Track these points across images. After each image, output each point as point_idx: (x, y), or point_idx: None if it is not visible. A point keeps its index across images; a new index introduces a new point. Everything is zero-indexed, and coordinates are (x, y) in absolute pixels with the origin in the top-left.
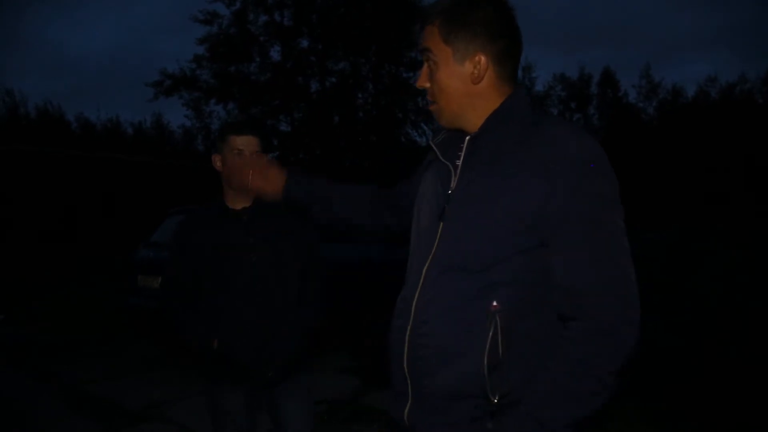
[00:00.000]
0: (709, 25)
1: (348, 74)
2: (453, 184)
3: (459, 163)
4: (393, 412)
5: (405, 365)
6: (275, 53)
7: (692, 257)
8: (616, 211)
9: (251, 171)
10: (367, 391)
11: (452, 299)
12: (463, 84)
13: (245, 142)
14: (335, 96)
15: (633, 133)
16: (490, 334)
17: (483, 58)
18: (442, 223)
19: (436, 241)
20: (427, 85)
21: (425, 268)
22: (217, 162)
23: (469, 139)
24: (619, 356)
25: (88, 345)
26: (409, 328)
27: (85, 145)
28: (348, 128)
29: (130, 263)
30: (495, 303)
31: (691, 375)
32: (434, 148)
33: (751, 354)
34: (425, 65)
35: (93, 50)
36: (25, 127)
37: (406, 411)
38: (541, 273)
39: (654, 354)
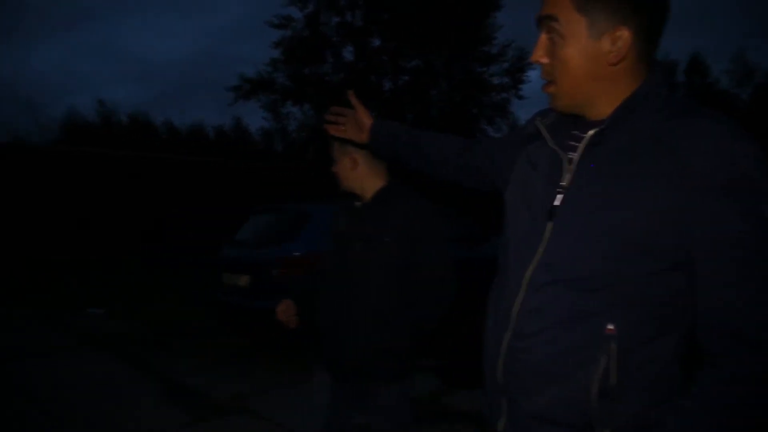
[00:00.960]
0: None
1: (421, 71)
2: (566, 180)
3: (575, 155)
4: (487, 420)
5: (499, 379)
6: (348, 53)
7: None
8: None
9: (343, 121)
10: (448, 392)
11: (561, 315)
12: (594, 64)
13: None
14: (408, 94)
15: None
16: (602, 359)
17: (626, 33)
18: (550, 224)
19: (543, 243)
20: (545, 60)
21: (528, 273)
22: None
23: (594, 133)
24: None
25: (179, 338)
26: (506, 340)
27: (171, 149)
28: (422, 126)
29: (216, 261)
30: (611, 326)
31: None
32: (543, 131)
33: None
34: (543, 36)
35: (176, 58)
36: (117, 134)
37: (500, 426)
38: (671, 297)
39: None
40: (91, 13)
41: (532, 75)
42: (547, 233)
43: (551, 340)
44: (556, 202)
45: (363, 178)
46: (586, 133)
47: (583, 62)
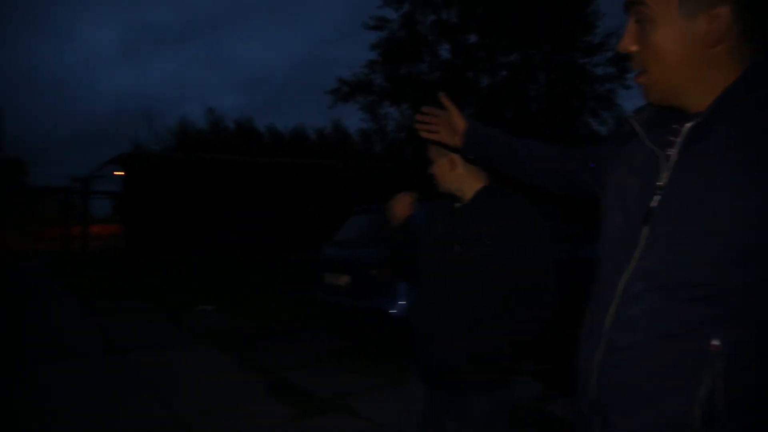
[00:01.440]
0: None
1: (519, 66)
2: (664, 179)
3: (673, 152)
4: None
5: (592, 396)
6: (444, 51)
7: None
8: None
9: (435, 123)
10: (551, 398)
11: (658, 328)
12: (690, 47)
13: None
14: (506, 89)
15: None
16: (706, 380)
17: (724, 11)
18: (647, 228)
19: (639, 249)
20: (634, 48)
21: (622, 281)
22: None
23: (692, 126)
24: None
25: (283, 335)
26: (599, 354)
27: (274, 152)
28: (521, 121)
29: (318, 261)
30: (716, 342)
31: None
32: (638, 128)
33: None
34: (632, 22)
35: (278, 65)
36: (225, 140)
37: None
38: None
39: None
40: (201, 28)
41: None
42: (643, 238)
43: (647, 355)
44: (653, 204)
45: (462, 179)
46: (684, 126)
47: (676, 47)
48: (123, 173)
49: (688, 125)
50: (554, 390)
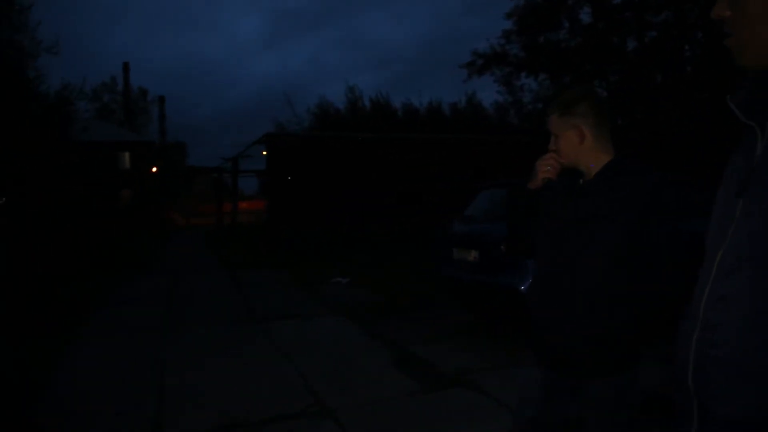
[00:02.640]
0: None
1: (671, 25)
2: (759, 150)
3: None
4: (678, 428)
5: (690, 379)
6: (585, 15)
7: None
8: None
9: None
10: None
11: (755, 300)
12: None
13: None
14: (657, 52)
15: None
16: None
17: None
18: (740, 201)
19: (733, 222)
20: (727, 13)
21: (718, 257)
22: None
23: None
24: None
25: (410, 309)
26: (695, 333)
27: (409, 128)
28: (673, 87)
29: (447, 236)
30: None
31: None
32: (734, 108)
33: None
34: None
35: (412, 41)
36: (362, 118)
37: None
38: None
39: None
40: (337, 10)
41: None
42: (738, 211)
43: (742, 333)
44: (746, 176)
45: (590, 153)
46: None
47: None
48: (266, 152)
49: None
50: None
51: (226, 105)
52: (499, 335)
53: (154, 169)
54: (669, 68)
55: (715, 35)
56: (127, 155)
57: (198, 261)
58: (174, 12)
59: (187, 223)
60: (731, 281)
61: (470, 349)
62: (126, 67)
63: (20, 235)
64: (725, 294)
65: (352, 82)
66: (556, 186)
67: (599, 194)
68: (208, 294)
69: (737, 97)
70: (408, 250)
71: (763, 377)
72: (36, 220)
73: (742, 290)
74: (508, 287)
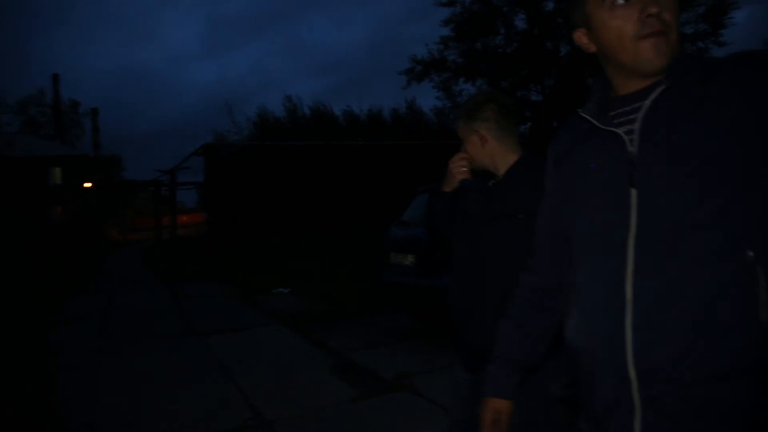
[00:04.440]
0: None
1: None
2: (635, 145)
3: (637, 118)
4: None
5: (626, 370)
6: (520, 22)
7: None
8: None
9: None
10: None
11: (692, 264)
12: (678, 13)
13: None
14: (587, 57)
15: None
16: (754, 293)
17: None
18: (634, 190)
19: (633, 209)
20: (656, 9)
21: (630, 244)
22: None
23: (668, 88)
24: None
25: (353, 316)
26: (629, 324)
27: (350, 136)
28: None
29: (386, 241)
30: (750, 253)
31: None
32: (590, 119)
33: None
34: None
35: (353, 48)
36: (302, 126)
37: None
38: None
39: None
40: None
41: (737, 17)
42: (633, 198)
43: (693, 298)
44: (633, 171)
45: (494, 154)
46: (638, 102)
47: (678, 11)
48: (205, 163)
49: (661, 88)
50: None
51: (165, 116)
52: (439, 338)
53: (88, 184)
54: (600, 71)
55: None
56: (57, 170)
57: (135, 277)
58: (108, 21)
59: (124, 238)
60: (664, 256)
61: (411, 352)
62: (56, 78)
63: None
64: (661, 269)
65: (294, 90)
66: (470, 187)
67: (507, 193)
68: (145, 311)
69: (589, 110)
70: (351, 256)
71: (717, 331)
72: None
73: (680, 260)
74: (445, 289)
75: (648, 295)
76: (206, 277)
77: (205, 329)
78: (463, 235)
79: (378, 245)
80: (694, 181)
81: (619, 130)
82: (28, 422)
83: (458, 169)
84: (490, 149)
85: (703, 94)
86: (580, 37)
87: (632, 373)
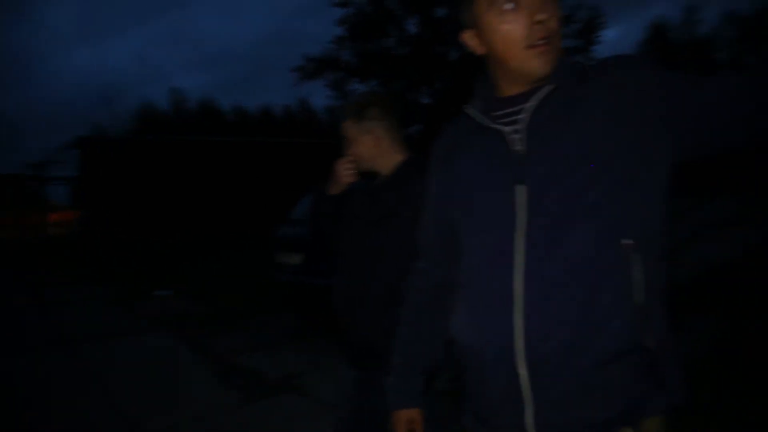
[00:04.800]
0: None
1: None
2: (521, 142)
3: (523, 116)
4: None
5: (518, 364)
6: (412, 26)
7: None
8: None
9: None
10: None
11: (580, 252)
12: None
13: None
14: (475, 62)
15: None
16: (630, 278)
17: None
18: (521, 186)
19: (520, 205)
20: (544, 16)
21: (518, 238)
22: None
23: (553, 89)
24: None
25: (239, 318)
26: (520, 319)
27: (239, 132)
28: None
29: (273, 240)
30: (629, 241)
31: None
32: (478, 116)
33: None
34: None
35: (245, 41)
36: (187, 120)
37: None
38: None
39: None
40: (161, 3)
41: (607, 35)
42: (520, 194)
43: (582, 285)
44: (520, 168)
45: (383, 154)
46: (522, 103)
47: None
48: (81, 157)
49: (548, 88)
50: None
51: (35, 105)
52: (326, 337)
53: None
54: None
55: None
56: None
57: None
58: None
59: None
60: (553, 246)
61: (299, 353)
62: None
63: None
64: (553, 258)
65: (180, 82)
66: (356, 188)
67: (394, 193)
68: (5, 320)
69: (475, 108)
70: (239, 256)
71: (605, 309)
72: None
73: (569, 246)
74: (330, 288)
75: (536, 288)
76: (79, 280)
77: (77, 337)
78: (349, 235)
79: (267, 244)
80: (577, 175)
81: (506, 129)
82: None
83: (345, 172)
84: (381, 149)
85: (582, 94)
86: (469, 38)
87: (522, 367)
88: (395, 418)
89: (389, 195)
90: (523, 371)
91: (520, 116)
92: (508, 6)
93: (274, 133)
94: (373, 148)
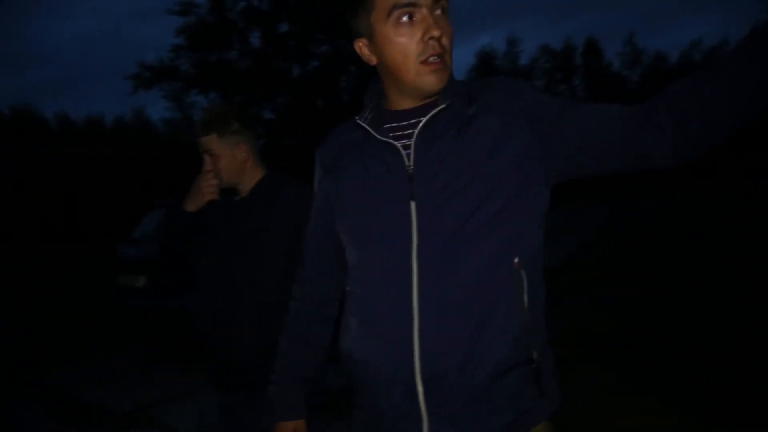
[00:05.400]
0: None
1: (330, 57)
2: (411, 160)
3: (414, 131)
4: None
5: (412, 376)
6: (255, 39)
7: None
8: None
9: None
10: None
11: (477, 271)
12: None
13: (200, 144)
14: (318, 80)
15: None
16: (521, 295)
17: None
18: (413, 203)
19: (414, 221)
20: (437, 33)
21: (413, 254)
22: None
23: (446, 106)
24: None
25: (77, 347)
26: (415, 334)
27: (64, 141)
28: (333, 112)
29: (114, 260)
30: (517, 259)
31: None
32: (368, 128)
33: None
34: (427, 14)
35: (68, 42)
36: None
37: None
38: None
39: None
40: None
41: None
42: (414, 212)
43: (478, 302)
44: (411, 182)
45: (248, 169)
46: (414, 118)
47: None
48: None
49: (440, 106)
50: None
51: None
52: (178, 362)
53: None
54: (329, 95)
55: (366, 71)
56: None
57: None
58: None
59: None
60: (450, 263)
61: (148, 382)
62: None
63: None
64: (447, 275)
65: None
66: (219, 205)
67: (258, 209)
68: None
69: (366, 119)
70: (70, 277)
71: (499, 325)
72: None
73: (466, 265)
74: (182, 310)
75: (431, 308)
76: None
77: None
78: (211, 253)
79: (102, 264)
80: (467, 194)
81: (398, 144)
82: None
83: (208, 188)
84: (245, 165)
85: (471, 114)
86: (361, 47)
87: (419, 383)
88: (279, 430)
89: (257, 210)
90: (420, 388)
91: (409, 131)
92: (404, 19)
93: (105, 144)
94: (239, 163)
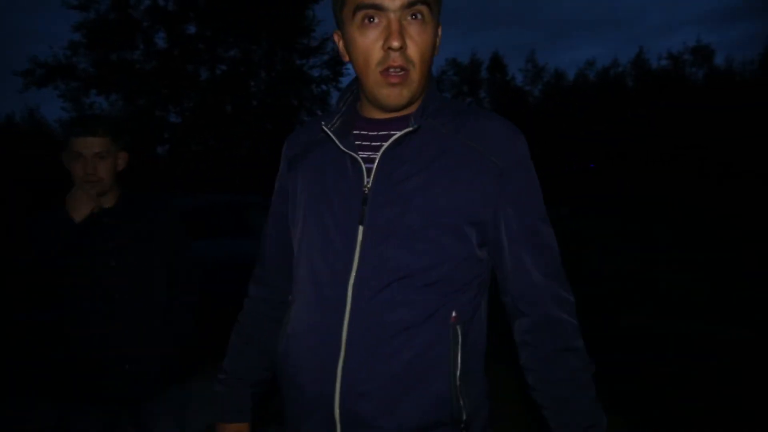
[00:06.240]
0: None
1: (239, 62)
2: (370, 183)
3: (377, 154)
4: None
5: (333, 414)
6: (160, 40)
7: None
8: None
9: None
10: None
11: (409, 315)
12: (432, 51)
13: (84, 145)
14: (227, 84)
15: (521, 115)
16: (455, 349)
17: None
18: (362, 228)
19: (357, 249)
20: (396, 44)
21: (351, 283)
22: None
23: (407, 132)
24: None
25: None
26: (340, 363)
27: None
28: (242, 117)
29: None
30: (454, 313)
31: None
32: (331, 135)
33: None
34: (393, 20)
35: None
36: None
37: None
38: (481, 270)
39: None
40: None
41: (351, 68)
42: (359, 236)
43: (405, 347)
44: (364, 205)
45: (117, 180)
46: (385, 131)
47: (431, 48)
48: None
49: (408, 129)
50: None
51: None
52: (42, 382)
53: None
54: (238, 100)
55: (275, 76)
56: None
57: None
58: None
59: None
60: (382, 302)
61: (12, 408)
62: None
63: None
64: (378, 314)
65: None
66: (98, 215)
67: (125, 223)
68: None
69: (333, 125)
70: None
71: (428, 378)
72: None
73: (396, 307)
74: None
75: (360, 345)
76: None
77: None
78: (84, 267)
79: None
80: (417, 235)
81: (360, 156)
82: None
83: (92, 195)
84: (117, 174)
85: (447, 148)
86: (338, 40)
87: (337, 417)
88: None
89: (122, 226)
90: (338, 421)
91: (377, 143)
92: (367, 21)
93: None
94: (116, 170)
